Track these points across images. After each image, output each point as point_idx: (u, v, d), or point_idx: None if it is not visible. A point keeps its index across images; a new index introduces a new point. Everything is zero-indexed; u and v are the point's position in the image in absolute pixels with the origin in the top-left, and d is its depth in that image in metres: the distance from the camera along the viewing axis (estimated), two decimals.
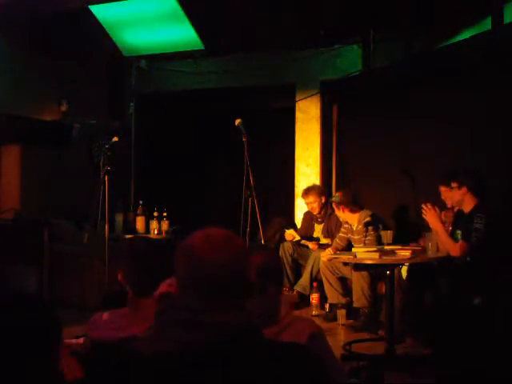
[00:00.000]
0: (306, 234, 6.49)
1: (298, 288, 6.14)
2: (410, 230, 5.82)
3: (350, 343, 4.86)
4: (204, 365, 1.46)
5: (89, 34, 7.23)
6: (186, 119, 8.22)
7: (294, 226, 6.77)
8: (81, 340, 2.66)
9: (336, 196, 5.86)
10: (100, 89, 8.07)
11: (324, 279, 5.79)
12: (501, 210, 4.82)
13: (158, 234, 6.86)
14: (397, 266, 4.88)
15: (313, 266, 6.07)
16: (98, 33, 6.98)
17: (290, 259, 6.30)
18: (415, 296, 4.91)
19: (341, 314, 5.58)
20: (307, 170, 7.53)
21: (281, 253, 6.29)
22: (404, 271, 5.18)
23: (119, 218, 7.11)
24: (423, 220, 4.87)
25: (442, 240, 4.62)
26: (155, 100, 8.35)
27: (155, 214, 6.93)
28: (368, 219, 5.66)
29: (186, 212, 7.51)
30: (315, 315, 5.79)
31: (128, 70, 8.30)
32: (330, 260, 5.67)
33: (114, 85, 8.30)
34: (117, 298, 2.63)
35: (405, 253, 4.64)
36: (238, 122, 5.22)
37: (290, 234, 6.42)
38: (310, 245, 6.32)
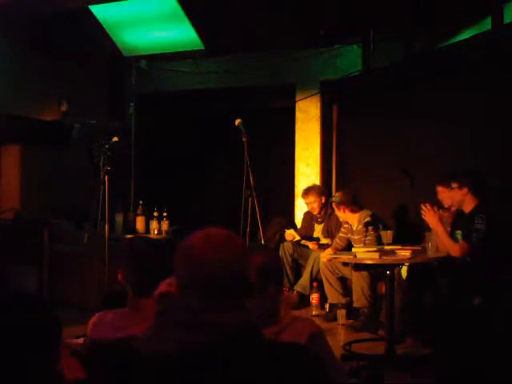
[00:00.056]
0: (306, 234, 6.49)
1: (297, 288, 6.14)
2: (409, 230, 5.82)
3: (349, 343, 4.86)
4: (204, 365, 1.46)
5: (89, 34, 7.23)
6: (185, 119, 8.22)
7: (294, 226, 6.77)
8: (81, 340, 2.66)
9: (336, 196, 5.86)
10: (100, 89, 8.07)
11: (324, 279, 5.80)
12: (501, 210, 4.82)
13: (158, 234, 6.85)
14: (397, 265, 4.88)
15: (313, 266, 6.07)
16: (98, 33, 6.97)
17: (290, 259, 6.30)
18: (415, 296, 4.91)
19: (341, 314, 5.58)
20: (307, 170, 7.53)
21: (281, 253, 6.29)
22: (404, 271, 5.17)
23: (119, 218, 7.11)
24: (423, 220, 4.87)
25: (442, 240, 4.62)
26: (155, 100, 8.35)
27: (155, 214, 6.93)
28: (368, 219, 5.66)
29: (186, 212, 7.51)
30: (315, 315, 5.79)
31: (128, 70, 8.30)
32: (329, 260, 5.67)
33: (114, 85, 8.31)
34: (117, 298, 2.63)
35: (405, 253, 4.64)
36: (237, 122, 5.21)
37: (290, 233, 6.42)
38: (310, 245, 6.32)
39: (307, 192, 6.45)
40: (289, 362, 1.51)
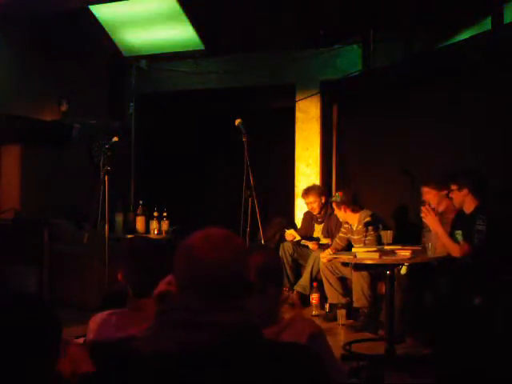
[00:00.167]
0: (306, 234, 6.49)
1: (297, 288, 6.14)
2: (409, 230, 5.82)
3: (349, 343, 4.86)
4: (204, 365, 1.45)
5: (89, 34, 7.23)
6: (186, 119, 8.22)
7: (294, 226, 6.77)
8: (81, 340, 2.66)
9: (337, 196, 5.86)
10: (100, 89, 8.07)
11: (324, 279, 5.80)
12: (501, 211, 4.82)
13: (158, 234, 6.85)
14: (397, 266, 4.88)
15: (313, 266, 6.07)
16: (98, 33, 6.97)
17: (290, 259, 6.30)
18: (415, 296, 4.91)
19: (341, 314, 5.58)
20: (307, 170, 7.53)
21: (281, 253, 6.29)
22: (403, 269, 5.16)
23: (119, 218, 7.11)
24: (422, 223, 4.89)
25: (442, 241, 4.63)
26: (155, 100, 8.35)
27: (155, 214, 6.93)
28: (368, 219, 5.66)
29: (186, 212, 7.51)
30: (315, 315, 5.79)
31: (128, 70, 8.30)
32: (329, 260, 5.67)
33: (114, 85, 8.31)
34: (117, 298, 2.63)
35: (405, 253, 4.64)
36: (237, 122, 5.22)
37: (290, 233, 6.42)
38: (310, 245, 6.32)
39: (307, 192, 6.45)
40: (289, 362, 1.51)
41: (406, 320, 4.90)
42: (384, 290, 5.03)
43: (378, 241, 5.53)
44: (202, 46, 7.01)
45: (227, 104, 7.80)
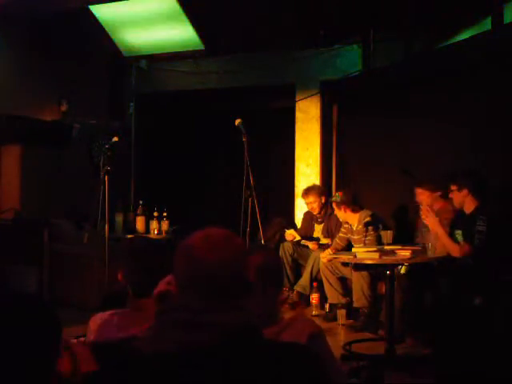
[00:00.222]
0: (306, 234, 6.49)
1: (298, 288, 6.14)
2: (409, 230, 5.82)
3: (350, 343, 4.86)
4: (204, 365, 1.45)
5: (89, 34, 7.23)
6: (186, 119, 8.22)
7: (294, 226, 6.77)
8: (81, 340, 2.66)
9: (337, 196, 5.86)
10: (100, 89, 8.07)
11: (324, 279, 5.80)
12: (501, 211, 4.83)
13: (158, 234, 6.86)
14: (397, 266, 4.88)
15: (313, 266, 6.07)
16: (98, 33, 6.98)
17: (290, 259, 6.30)
18: (415, 296, 4.91)
19: (341, 314, 5.58)
20: (307, 170, 7.53)
21: (281, 253, 6.29)
22: (403, 269, 5.15)
23: (119, 218, 7.11)
24: (417, 223, 4.90)
25: (442, 241, 4.64)
26: (155, 100, 8.35)
27: (155, 214, 6.94)
28: (368, 219, 5.66)
29: (186, 212, 7.51)
30: (315, 315, 5.79)
31: (128, 70, 8.30)
32: (329, 260, 5.67)
33: (114, 85, 8.30)
34: (117, 298, 2.63)
35: (405, 253, 4.64)
36: (237, 122, 5.22)
37: (290, 234, 6.42)
38: (310, 245, 6.32)
39: (307, 192, 6.45)
40: (289, 362, 1.51)
41: (406, 320, 4.90)
42: (384, 289, 5.03)
43: (378, 241, 5.53)
44: (201, 46, 7.01)
45: (227, 104, 7.80)
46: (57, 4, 6.51)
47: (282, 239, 6.52)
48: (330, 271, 5.76)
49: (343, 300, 5.73)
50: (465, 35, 5.86)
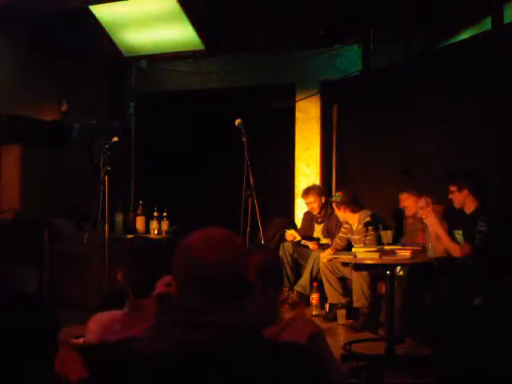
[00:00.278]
0: (306, 234, 6.49)
1: (297, 288, 6.14)
2: None
3: (350, 343, 4.86)
4: (204, 365, 1.45)
5: (89, 34, 7.22)
6: (186, 119, 8.21)
7: (294, 226, 6.77)
8: (81, 340, 2.66)
9: (337, 196, 5.87)
10: (100, 89, 8.07)
11: (324, 279, 5.80)
12: (502, 211, 4.83)
13: (158, 234, 6.85)
14: (397, 266, 4.88)
15: (313, 266, 6.07)
16: (98, 33, 6.97)
17: (290, 259, 6.30)
18: (415, 296, 4.91)
19: (341, 314, 5.58)
20: (307, 170, 7.53)
21: (281, 253, 6.29)
22: (401, 271, 5.14)
23: (119, 218, 7.10)
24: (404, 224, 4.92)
25: (443, 242, 4.65)
26: (155, 100, 8.34)
27: (155, 214, 6.93)
28: (368, 219, 5.67)
29: (186, 212, 7.51)
30: (315, 315, 5.79)
31: (128, 70, 8.30)
32: (329, 260, 5.67)
33: (113, 85, 8.30)
34: (117, 298, 2.63)
35: (405, 253, 4.64)
36: (237, 122, 5.22)
37: (290, 234, 6.42)
38: (310, 245, 6.32)
39: (307, 192, 6.45)
40: (289, 362, 1.51)
41: (406, 320, 4.90)
42: (384, 289, 5.03)
43: (378, 241, 5.53)
44: (201, 46, 7.00)
45: (227, 104, 7.79)
46: (57, 4, 6.50)
47: (282, 239, 6.51)
48: (330, 271, 5.76)
49: (343, 300, 5.73)
50: (465, 35, 5.86)
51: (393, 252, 4.73)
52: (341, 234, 5.93)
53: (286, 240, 6.44)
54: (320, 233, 6.47)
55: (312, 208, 6.43)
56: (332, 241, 6.14)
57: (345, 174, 7.19)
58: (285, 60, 7.50)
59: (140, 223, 7.02)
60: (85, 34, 7.19)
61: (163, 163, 8.16)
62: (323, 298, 5.92)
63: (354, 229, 5.78)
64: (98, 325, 2.41)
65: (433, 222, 4.69)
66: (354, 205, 5.78)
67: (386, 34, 6.79)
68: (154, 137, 8.31)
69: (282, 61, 7.52)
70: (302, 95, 7.54)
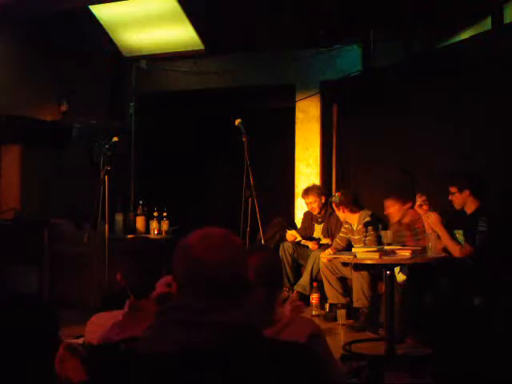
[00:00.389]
0: (306, 234, 6.49)
1: (298, 288, 6.14)
2: None
3: (350, 343, 4.85)
4: (204, 365, 1.45)
5: (89, 34, 7.22)
6: (186, 119, 8.21)
7: (294, 226, 6.77)
8: (81, 340, 2.66)
9: (335, 196, 5.87)
10: (100, 89, 8.06)
11: (324, 279, 5.80)
12: (502, 211, 4.83)
13: (157, 234, 6.85)
14: (397, 266, 4.88)
15: (313, 266, 6.07)
16: (98, 33, 6.96)
17: (290, 259, 6.30)
18: (415, 296, 4.91)
19: (341, 314, 5.58)
20: (307, 169, 7.53)
21: (281, 253, 6.29)
22: (400, 277, 5.12)
23: (119, 218, 7.10)
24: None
25: (444, 242, 4.65)
26: (155, 100, 8.34)
27: (155, 213, 6.93)
28: (368, 219, 5.66)
29: (186, 212, 7.51)
30: (315, 315, 5.79)
31: (128, 70, 8.30)
32: (329, 260, 5.67)
33: (114, 85, 8.30)
34: (117, 298, 2.63)
35: (405, 253, 4.64)
36: (237, 122, 5.22)
37: (291, 234, 6.42)
38: (310, 245, 6.32)
39: (307, 192, 6.45)
40: (289, 362, 1.51)
41: (405, 320, 4.90)
42: (384, 289, 5.03)
43: (378, 241, 5.52)
44: (201, 46, 6.99)
45: (227, 104, 7.79)
46: (57, 4, 6.50)
47: (282, 239, 6.51)
48: (330, 271, 5.76)
49: (343, 300, 5.73)
50: (465, 35, 5.86)
51: (393, 252, 4.73)
52: (341, 234, 5.93)
53: (286, 240, 6.44)
54: (320, 233, 6.46)
55: (312, 208, 6.43)
56: (332, 241, 6.14)
57: (345, 174, 7.19)
58: (285, 60, 7.50)
59: (140, 223, 7.02)
60: (85, 33, 7.19)
61: (163, 163, 8.16)
62: (323, 298, 5.92)
63: (354, 229, 5.78)
64: (98, 325, 2.41)
65: (435, 223, 4.70)
66: (354, 205, 5.78)
67: (386, 34, 6.79)
68: (154, 137, 8.31)
69: (282, 61, 7.52)
70: (302, 95, 7.54)
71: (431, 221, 4.72)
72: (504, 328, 3.94)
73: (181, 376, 1.46)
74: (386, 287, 4.78)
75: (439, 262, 4.72)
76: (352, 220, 5.79)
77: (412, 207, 5.23)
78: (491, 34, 5.45)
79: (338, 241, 5.92)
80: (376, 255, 4.62)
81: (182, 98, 8.20)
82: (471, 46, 5.48)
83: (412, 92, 6.10)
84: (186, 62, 7.91)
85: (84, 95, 7.61)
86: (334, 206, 5.89)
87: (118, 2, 6.57)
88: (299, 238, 6.39)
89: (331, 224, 6.32)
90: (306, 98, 7.50)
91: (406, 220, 5.26)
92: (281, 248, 6.36)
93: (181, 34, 6.93)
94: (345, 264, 5.59)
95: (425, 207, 4.88)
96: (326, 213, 6.39)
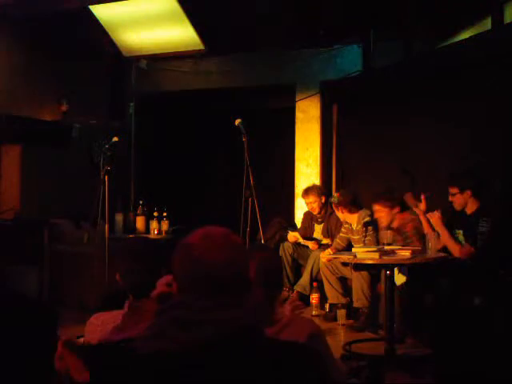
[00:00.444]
0: (306, 234, 6.49)
1: (298, 288, 6.14)
2: None
3: (350, 343, 4.85)
4: (204, 364, 1.45)
5: (89, 34, 7.22)
6: (186, 119, 8.21)
7: (294, 226, 6.77)
8: (81, 340, 2.66)
9: (334, 196, 5.87)
10: (100, 89, 8.06)
11: (324, 279, 5.80)
12: (502, 211, 4.83)
13: (158, 234, 6.86)
14: (397, 266, 4.88)
15: (313, 266, 6.07)
16: (98, 33, 6.97)
17: (290, 259, 6.30)
18: (415, 296, 4.91)
19: (341, 314, 5.58)
20: (307, 170, 7.53)
21: (281, 253, 6.29)
22: (399, 279, 5.11)
23: (119, 218, 7.10)
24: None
25: (445, 242, 4.65)
26: (155, 100, 8.34)
27: (155, 213, 6.94)
28: (367, 219, 5.66)
29: (186, 212, 7.51)
30: (315, 315, 5.79)
31: (128, 70, 8.30)
32: (329, 260, 5.67)
33: (113, 85, 8.30)
34: (117, 298, 2.63)
35: (405, 253, 4.64)
36: (237, 122, 5.22)
37: (293, 235, 6.41)
38: (310, 245, 6.32)
39: (307, 192, 6.45)
40: (289, 361, 1.51)
41: (406, 320, 4.90)
42: (384, 289, 5.03)
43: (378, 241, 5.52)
44: (201, 46, 7.00)
45: (227, 104, 7.80)
46: (57, 4, 6.50)
47: (282, 239, 6.51)
48: (330, 271, 5.76)
49: (343, 300, 5.73)
50: (465, 35, 5.86)
51: (393, 252, 4.73)
52: (341, 234, 5.93)
53: (286, 240, 6.44)
54: (320, 233, 6.46)
55: (312, 208, 6.43)
56: (332, 241, 6.14)
57: (345, 174, 7.19)
58: (285, 60, 7.50)
59: (140, 223, 7.02)
60: (85, 34, 7.19)
61: (163, 163, 8.16)
62: (323, 298, 5.91)
63: (354, 229, 5.78)
64: (98, 325, 2.41)
65: (436, 223, 4.71)
66: (353, 205, 5.78)
67: (386, 34, 6.79)
68: (154, 137, 8.31)
69: (282, 61, 7.52)
70: (302, 95, 7.54)
71: (434, 219, 4.73)
72: (504, 328, 3.94)
73: (181, 375, 1.46)
74: (385, 287, 4.77)
75: (439, 262, 4.73)
76: (351, 220, 5.79)
77: (400, 211, 5.24)
78: (491, 33, 5.45)
79: (339, 241, 5.92)
80: (376, 255, 4.62)
81: (182, 97, 8.20)
82: (471, 45, 5.48)
83: (412, 92, 6.10)
84: (186, 62, 7.92)
85: (84, 95, 7.61)
86: (333, 206, 5.90)
87: (118, 2, 6.58)
88: (301, 240, 6.39)
89: (331, 224, 6.32)
90: (305, 97, 7.50)
91: (395, 224, 5.27)
92: (281, 248, 6.36)
93: (181, 34, 6.94)
94: (345, 264, 5.59)
95: (422, 206, 4.88)
96: (326, 213, 6.39)
